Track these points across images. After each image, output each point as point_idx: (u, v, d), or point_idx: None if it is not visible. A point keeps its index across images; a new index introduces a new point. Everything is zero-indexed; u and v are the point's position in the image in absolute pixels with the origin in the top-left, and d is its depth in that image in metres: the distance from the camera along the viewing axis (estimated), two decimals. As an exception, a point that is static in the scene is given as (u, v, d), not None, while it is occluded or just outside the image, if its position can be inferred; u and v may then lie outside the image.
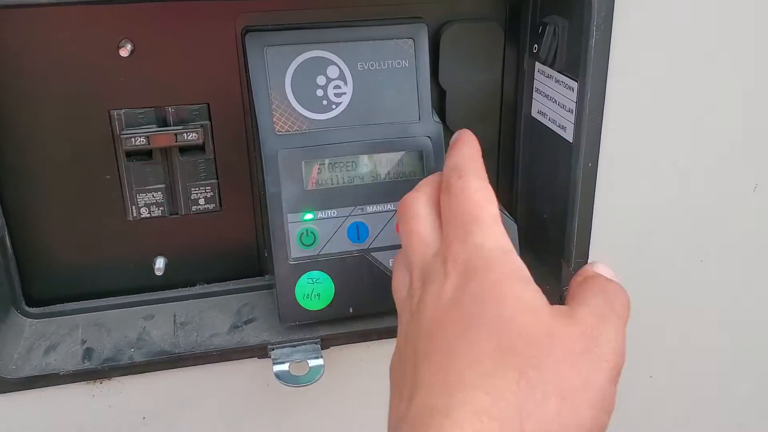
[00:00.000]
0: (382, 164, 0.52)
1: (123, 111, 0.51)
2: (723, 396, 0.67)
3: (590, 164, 0.49)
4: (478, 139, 0.57)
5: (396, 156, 0.52)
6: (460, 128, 0.55)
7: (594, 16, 0.45)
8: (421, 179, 0.51)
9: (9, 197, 0.52)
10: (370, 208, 0.52)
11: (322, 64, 0.50)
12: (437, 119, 0.52)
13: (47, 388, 0.51)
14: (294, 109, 0.50)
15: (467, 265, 0.37)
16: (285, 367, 0.52)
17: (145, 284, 0.57)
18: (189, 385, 0.54)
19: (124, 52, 0.48)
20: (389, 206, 0.52)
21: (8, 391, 0.50)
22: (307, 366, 0.52)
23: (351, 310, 0.53)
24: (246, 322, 0.55)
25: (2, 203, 0.51)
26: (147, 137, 0.50)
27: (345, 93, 0.51)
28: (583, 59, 0.46)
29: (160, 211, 0.54)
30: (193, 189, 0.54)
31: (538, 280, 0.37)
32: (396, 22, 0.51)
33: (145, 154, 0.52)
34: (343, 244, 0.52)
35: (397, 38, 0.51)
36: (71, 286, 0.56)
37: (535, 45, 0.50)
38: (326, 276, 0.52)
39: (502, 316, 0.34)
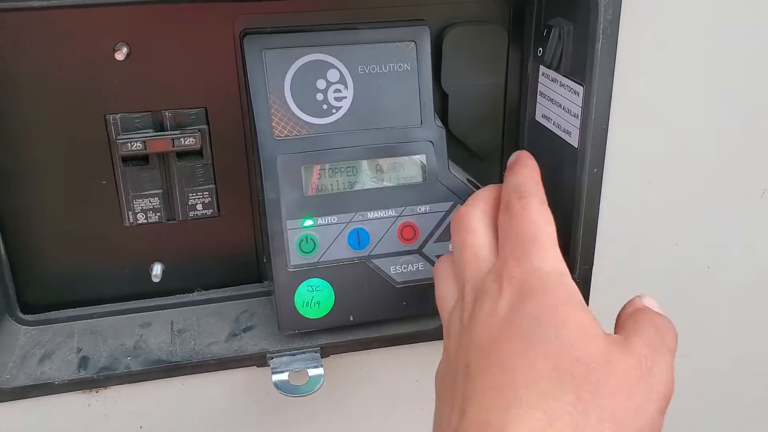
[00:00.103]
0: (383, 169, 0.51)
1: (119, 115, 0.50)
2: (730, 403, 0.66)
3: (596, 170, 0.48)
4: (480, 142, 0.57)
5: (397, 161, 0.51)
6: (463, 131, 0.55)
7: (600, 19, 0.44)
8: (423, 184, 0.51)
9: (3, 202, 0.51)
10: (371, 214, 0.51)
11: (322, 68, 0.49)
12: (439, 123, 0.51)
13: (42, 397, 0.50)
14: (293, 114, 0.49)
15: (523, 286, 0.38)
16: (284, 376, 0.51)
17: (142, 291, 0.56)
18: (186, 394, 0.53)
19: (120, 56, 0.48)
20: (390, 212, 0.51)
21: (2, 401, 0.50)
22: (306, 375, 0.51)
23: (351, 319, 0.52)
24: (244, 330, 0.54)
25: (-4, 209, 0.51)
26: (143, 142, 0.49)
27: (345, 97, 0.50)
28: (589, 63, 0.45)
29: (157, 217, 0.53)
30: (190, 194, 0.53)
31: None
32: (398, 25, 0.50)
33: (141, 159, 0.51)
34: (344, 251, 0.51)
35: (399, 41, 0.50)
36: (67, 293, 0.55)
37: (540, 48, 0.49)
38: (326, 284, 0.51)
39: (560, 339, 0.35)
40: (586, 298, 0.52)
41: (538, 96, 0.53)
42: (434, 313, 0.54)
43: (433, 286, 0.52)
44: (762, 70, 0.51)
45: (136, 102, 0.50)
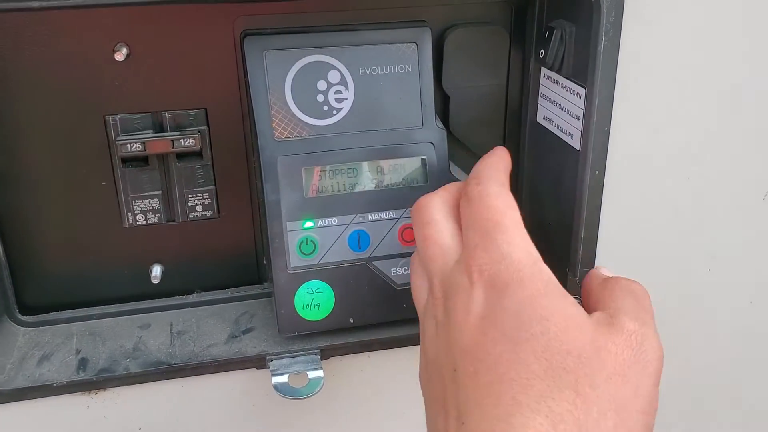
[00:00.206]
0: (383, 171, 0.51)
1: (119, 116, 0.49)
2: (731, 404, 0.66)
3: (597, 172, 0.48)
4: (481, 143, 0.56)
5: (398, 162, 0.51)
6: (464, 133, 0.55)
7: (603, 20, 0.44)
8: (424, 186, 0.51)
9: (2, 203, 0.51)
10: (371, 216, 0.51)
11: (322, 69, 0.49)
12: (440, 125, 0.51)
13: (40, 399, 0.50)
14: (294, 115, 0.49)
15: (496, 279, 0.37)
16: (284, 378, 0.50)
17: (141, 292, 0.56)
18: (186, 396, 0.53)
19: (120, 57, 0.47)
20: (391, 214, 0.51)
21: (0, 403, 0.49)
22: (306, 378, 0.51)
23: (351, 321, 0.52)
24: (244, 332, 0.54)
25: (-5, 210, 0.50)
26: (143, 143, 0.49)
27: (346, 98, 0.49)
28: (591, 65, 0.45)
29: (156, 218, 0.53)
30: (190, 195, 0.53)
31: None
32: (399, 26, 0.50)
33: (141, 160, 0.51)
34: (344, 253, 0.51)
35: (400, 42, 0.49)
36: (66, 294, 0.55)
37: (542, 50, 0.49)
38: (326, 286, 0.51)
39: (547, 334, 0.34)
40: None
41: (539, 98, 0.53)
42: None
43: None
44: (764, 73, 0.51)
45: (135, 103, 0.50)
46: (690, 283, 0.58)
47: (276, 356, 0.52)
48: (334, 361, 0.54)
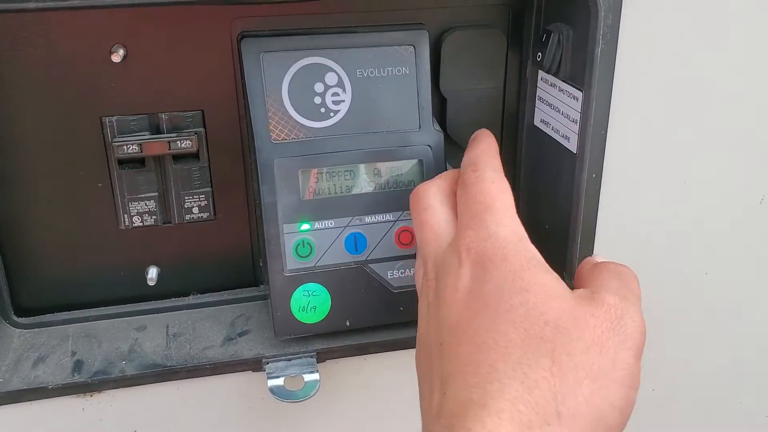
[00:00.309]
0: (381, 173, 0.51)
1: (115, 118, 0.49)
2: (726, 410, 0.66)
3: (594, 175, 0.48)
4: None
5: (395, 165, 0.51)
6: (461, 136, 0.55)
7: (600, 24, 0.44)
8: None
9: (-2, 204, 0.51)
10: (368, 219, 0.51)
11: (320, 71, 0.49)
12: (438, 128, 0.51)
13: (35, 401, 0.50)
14: (291, 117, 0.49)
15: (482, 256, 0.38)
16: (280, 381, 0.50)
17: (137, 294, 0.56)
18: (181, 399, 0.53)
19: (117, 58, 0.47)
20: (388, 216, 0.51)
21: (-5, 405, 0.49)
22: (302, 381, 0.51)
23: (348, 324, 0.51)
24: (240, 334, 0.54)
25: (-9, 211, 0.50)
26: (139, 145, 0.49)
27: (343, 100, 0.49)
28: (588, 68, 0.45)
29: (152, 220, 0.53)
30: (186, 197, 0.53)
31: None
32: (396, 29, 0.50)
33: (137, 162, 0.51)
34: (341, 256, 0.50)
35: (398, 45, 0.49)
36: (62, 296, 0.55)
37: (539, 53, 0.49)
38: (322, 288, 0.50)
39: (527, 305, 0.35)
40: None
41: (536, 101, 0.53)
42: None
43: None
44: (762, 78, 0.51)
45: (132, 104, 0.50)
46: (686, 287, 0.58)
47: (272, 359, 0.52)
48: (330, 364, 0.54)
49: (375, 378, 0.56)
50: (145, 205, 0.52)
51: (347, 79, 0.49)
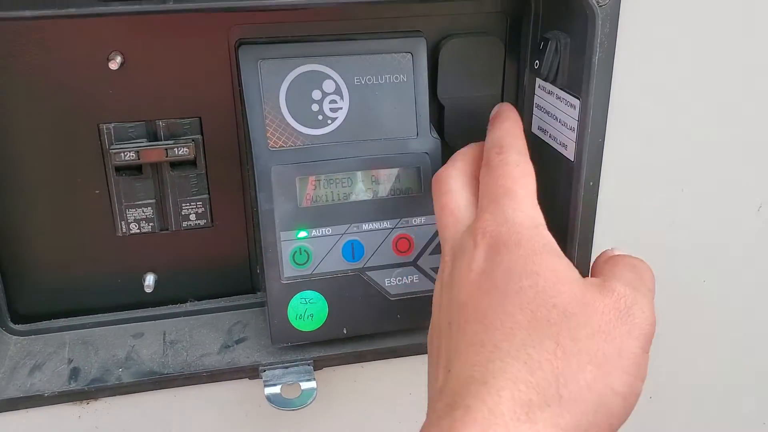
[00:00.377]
0: (378, 181, 0.50)
1: (112, 125, 0.49)
2: (725, 418, 0.66)
3: (591, 183, 0.48)
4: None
5: (393, 172, 0.51)
6: (459, 143, 0.55)
7: (597, 32, 0.44)
8: (419, 196, 0.50)
9: (-5, 211, 0.51)
10: (365, 226, 0.51)
11: (317, 78, 0.49)
12: (435, 135, 0.51)
13: (31, 409, 0.50)
14: (288, 124, 0.49)
15: (497, 239, 0.38)
16: (277, 389, 0.50)
17: (134, 301, 0.56)
18: (178, 406, 0.53)
19: (114, 65, 0.47)
20: (385, 224, 0.51)
21: (-9, 413, 0.49)
22: (299, 388, 0.50)
23: (345, 331, 0.51)
24: (237, 342, 0.54)
25: (-13, 218, 0.50)
26: (137, 152, 0.49)
27: (341, 108, 0.49)
28: (585, 76, 0.45)
29: (150, 227, 0.52)
30: (184, 204, 0.52)
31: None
32: (394, 36, 0.50)
33: (134, 169, 0.51)
34: (338, 263, 0.50)
35: (396, 52, 0.49)
36: (59, 303, 0.55)
37: (536, 61, 0.49)
38: (320, 296, 0.50)
39: (535, 288, 0.35)
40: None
41: (534, 108, 0.53)
42: (427, 325, 0.53)
43: (427, 299, 0.52)
44: (759, 86, 0.51)
45: (129, 111, 0.49)
46: (684, 295, 0.58)
47: (269, 367, 0.51)
48: (327, 372, 0.53)
49: (372, 386, 0.56)
50: (143, 212, 0.52)
51: (345, 86, 0.49)
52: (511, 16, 0.52)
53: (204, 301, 0.57)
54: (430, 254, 0.52)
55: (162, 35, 0.48)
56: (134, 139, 0.50)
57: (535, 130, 0.53)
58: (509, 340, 0.34)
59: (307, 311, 0.50)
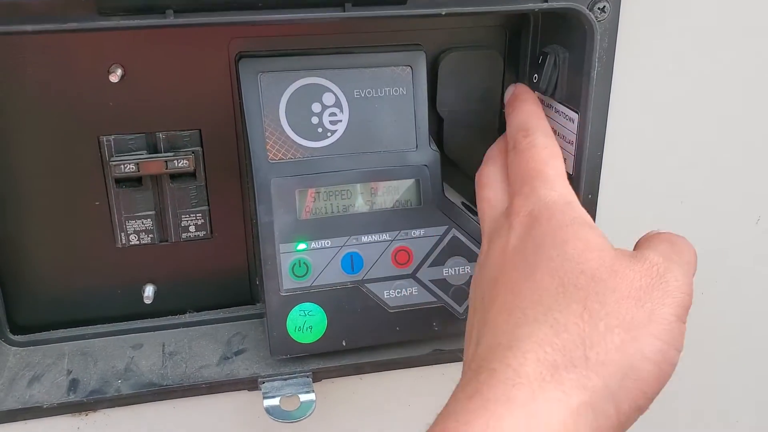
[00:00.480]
0: (377, 193, 0.51)
1: (113, 137, 0.50)
2: (723, 429, 0.66)
3: (590, 196, 0.48)
4: (475, 165, 0.56)
5: (392, 184, 0.51)
6: (458, 155, 0.55)
7: (596, 46, 0.44)
8: (418, 208, 0.51)
9: (-5, 222, 0.51)
10: (365, 238, 0.51)
11: (317, 91, 0.49)
12: (435, 147, 0.51)
13: (30, 420, 0.50)
14: (288, 137, 0.49)
15: (529, 218, 0.38)
16: (275, 401, 0.50)
17: (133, 312, 0.56)
18: (177, 418, 0.53)
19: (115, 78, 0.47)
20: (385, 236, 0.51)
21: (-11, 424, 0.49)
22: (298, 401, 0.50)
23: (344, 344, 0.51)
24: (236, 353, 0.54)
25: (-12, 229, 0.50)
26: (137, 164, 0.49)
27: (341, 120, 0.49)
28: (584, 91, 0.45)
29: (149, 239, 0.53)
30: (183, 216, 0.53)
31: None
32: (394, 50, 0.50)
33: (134, 181, 0.51)
34: (337, 275, 0.50)
35: (395, 65, 0.50)
36: (58, 313, 0.55)
37: (535, 74, 0.49)
38: (319, 308, 0.50)
39: (564, 256, 0.35)
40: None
41: (533, 121, 0.53)
42: (427, 337, 0.53)
43: (426, 311, 0.52)
44: (757, 99, 0.51)
45: (130, 124, 0.50)
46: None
47: (268, 378, 0.51)
48: (326, 384, 0.53)
49: (371, 398, 0.56)
50: (142, 223, 0.52)
51: (344, 99, 0.49)
52: (510, 30, 0.53)
53: (203, 313, 0.57)
54: (429, 266, 0.52)
55: (162, 48, 0.48)
56: (134, 151, 0.50)
57: (534, 142, 0.53)
58: (536, 306, 0.34)
59: (306, 323, 0.50)
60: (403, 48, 0.50)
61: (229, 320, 0.57)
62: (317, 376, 0.52)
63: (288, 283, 0.50)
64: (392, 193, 0.51)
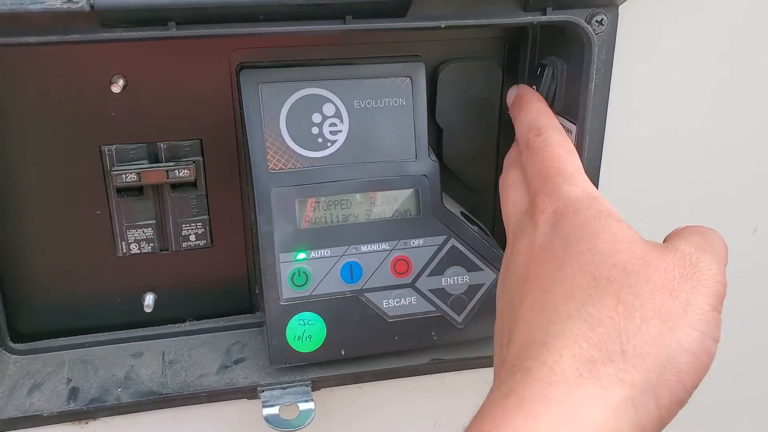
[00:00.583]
0: (377, 203, 0.51)
1: (114, 147, 0.50)
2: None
3: (588, 206, 0.48)
4: (474, 175, 0.57)
5: (391, 194, 0.51)
6: (457, 165, 0.55)
7: (594, 59, 0.44)
8: (417, 218, 0.51)
9: (-3, 231, 0.51)
10: (364, 248, 0.51)
11: (317, 102, 0.49)
12: (434, 157, 0.51)
13: (30, 429, 0.50)
14: (288, 147, 0.49)
15: (555, 215, 0.38)
16: (275, 410, 0.50)
17: (134, 320, 0.56)
18: (177, 426, 0.53)
19: (116, 88, 0.48)
20: (384, 245, 0.51)
21: (-11, 433, 0.49)
22: (297, 409, 0.51)
23: (343, 353, 0.52)
24: (236, 362, 0.54)
25: (-10, 237, 0.51)
26: (138, 173, 0.50)
27: (341, 131, 0.50)
28: (582, 102, 0.46)
29: (150, 247, 0.53)
30: (184, 225, 0.53)
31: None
32: (394, 61, 0.50)
33: (135, 190, 0.51)
34: (336, 285, 0.51)
35: (395, 76, 0.50)
36: (59, 322, 0.55)
37: (534, 86, 0.49)
38: (318, 317, 0.51)
39: (594, 249, 0.34)
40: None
41: (532, 132, 0.53)
42: (425, 347, 0.54)
43: (425, 321, 0.52)
44: (753, 111, 0.51)
45: (131, 133, 0.50)
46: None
47: (267, 387, 0.52)
48: (325, 393, 0.54)
49: (370, 407, 0.56)
50: (143, 232, 0.52)
51: (345, 109, 0.50)
52: (508, 42, 0.53)
53: (203, 321, 0.57)
54: (428, 276, 0.52)
55: (164, 59, 0.49)
56: (135, 160, 0.50)
57: (532, 153, 0.54)
58: (568, 302, 0.33)
59: (306, 332, 0.51)
60: (402, 59, 0.50)
61: (228, 329, 0.57)
62: (316, 385, 0.52)
63: (287, 292, 0.50)
64: (391, 202, 0.51)
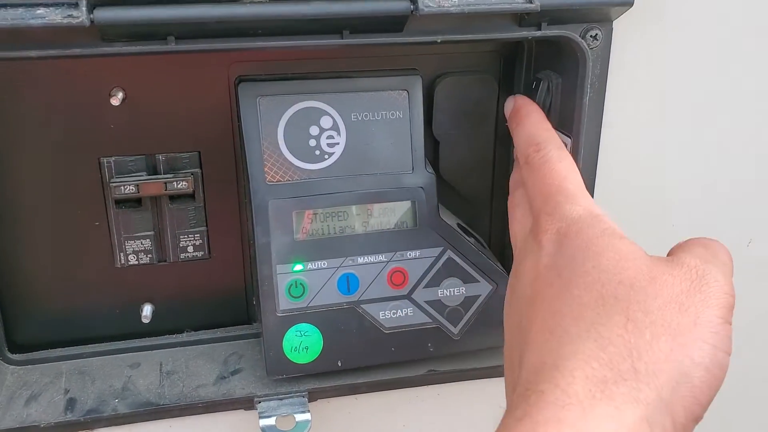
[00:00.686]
0: (374, 215, 0.51)
1: (113, 159, 0.50)
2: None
3: (584, 219, 0.49)
4: (470, 187, 0.57)
5: (388, 206, 0.51)
6: (454, 178, 0.56)
7: (588, 73, 0.45)
8: (413, 230, 0.51)
9: (-4, 241, 0.51)
10: (361, 259, 0.51)
11: (315, 115, 0.50)
12: (431, 170, 0.52)
13: (27, 439, 0.50)
14: (286, 159, 0.49)
15: (558, 235, 0.38)
16: (271, 421, 0.51)
17: (132, 331, 0.56)
18: (173, 437, 0.53)
19: (116, 101, 0.48)
20: (380, 257, 0.52)
21: (-14, 444, 0.49)
22: (293, 420, 0.51)
23: (340, 364, 0.52)
24: (233, 373, 0.54)
25: (-12, 249, 0.51)
26: (136, 185, 0.50)
27: (338, 143, 0.50)
28: (577, 116, 0.46)
29: (148, 259, 0.53)
30: (182, 236, 0.53)
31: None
32: (391, 74, 0.51)
33: (134, 202, 0.52)
34: (333, 296, 0.51)
35: (392, 90, 0.50)
36: (57, 332, 0.55)
37: (529, 99, 0.50)
38: (315, 329, 0.51)
39: (600, 268, 0.34)
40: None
41: (527, 145, 0.54)
42: (422, 358, 0.54)
43: (421, 332, 0.52)
44: (748, 123, 0.52)
45: (130, 146, 0.50)
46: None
47: (264, 398, 0.52)
48: (322, 404, 0.54)
49: (366, 418, 0.56)
50: (141, 243, 0.53)
51: (342, 122, 0.50)
52: (504, 56, 0.54)
53: (200, 332, 0.57)
54: (424, 288, 0.52)
55: (163, 72, 0.49)
56: (134, 172, 0.51)
57: (528, 165, 0.54)
58: (578, 322, 0.33)
59: (302, 344, 0.51)
60: (399, 72, 0.51)
61: (226, 340, 0.57)
62: (313, 396, 0.53)
63: (284, 303, 0.50)
64: (388, 214, 0.51)
